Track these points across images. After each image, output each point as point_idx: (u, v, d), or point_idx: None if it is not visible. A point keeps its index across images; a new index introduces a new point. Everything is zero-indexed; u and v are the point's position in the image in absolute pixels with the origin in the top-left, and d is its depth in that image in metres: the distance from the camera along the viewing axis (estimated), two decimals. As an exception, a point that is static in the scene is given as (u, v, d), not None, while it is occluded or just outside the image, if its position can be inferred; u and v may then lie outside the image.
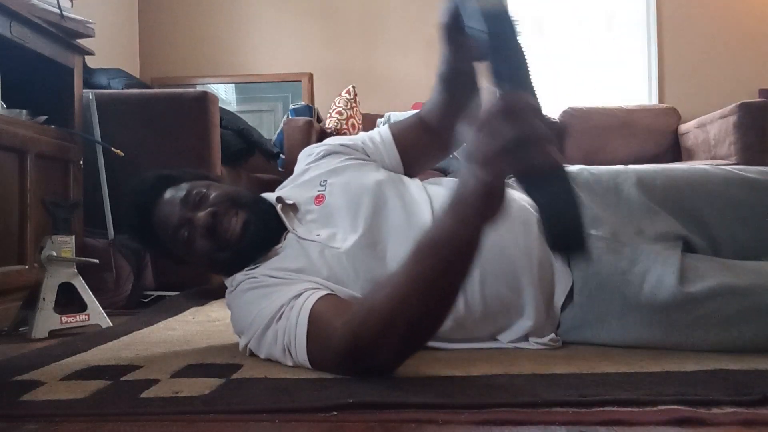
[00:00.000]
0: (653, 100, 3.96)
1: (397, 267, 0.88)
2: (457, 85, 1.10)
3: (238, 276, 1.19)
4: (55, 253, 1.57)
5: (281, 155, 3.11)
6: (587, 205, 1.15)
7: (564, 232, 0.75)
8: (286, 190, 1.32)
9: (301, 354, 1.00)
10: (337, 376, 0.97)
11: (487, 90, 0.84)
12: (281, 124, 3.30)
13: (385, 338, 0.89)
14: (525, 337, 1.15)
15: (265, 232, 1.20)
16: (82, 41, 2.05)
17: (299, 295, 1.04)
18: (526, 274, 1.12)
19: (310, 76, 4.06)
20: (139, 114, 2.34)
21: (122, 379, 1.01)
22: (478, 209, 0.78)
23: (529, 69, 0.83)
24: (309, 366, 1.00)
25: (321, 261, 1.13)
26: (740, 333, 1.03)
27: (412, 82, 4.02)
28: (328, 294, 1.04)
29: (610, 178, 1.24)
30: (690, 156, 3.49)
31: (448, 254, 0.83)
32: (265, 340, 1.06)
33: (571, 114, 3.74)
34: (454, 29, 0.93)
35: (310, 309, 0.99)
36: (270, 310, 1.06)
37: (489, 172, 0.76)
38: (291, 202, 1.26)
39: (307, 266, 1.13)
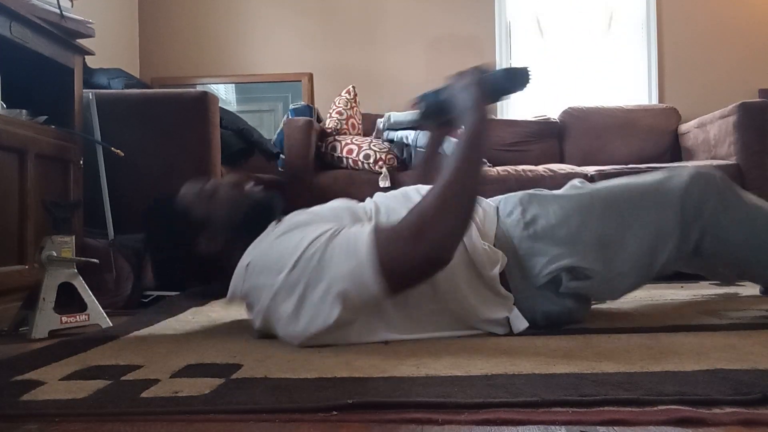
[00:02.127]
0: (653, 100, 3.96)
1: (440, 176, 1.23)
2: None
3: (259, 238, 1.32)
4: (55, 253, 1.57)
5: (281, 155, 3.11)
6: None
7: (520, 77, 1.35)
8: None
9: (367, 257, 1.16)
10: (341, 375, 0.97)
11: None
12: (281, 124, 3.30)
13: (442, 212, 1.19)
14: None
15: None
16: (82, 41, 2.05)
17: (342, 228, 1.24)
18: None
19: (310, 76, 4.06)
20: (139, 114, 2.34)
21: (122, 379, 1.01)
22: (483, 128, 1.29)
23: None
24: (373, 275, 1.15)
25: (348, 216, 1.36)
26: None
27: (412, 82, 4.01)
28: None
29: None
30: (690, 156, 3.49)
31: (471, 151, 1.25)
32: (320, 258, 1.19)
33: (571, 114, 3.74)
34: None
35: (371, 228, 1.21)
36: (319, 232, 1.23)
37: (478, 110, 1.29)
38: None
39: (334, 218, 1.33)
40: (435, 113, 1.50)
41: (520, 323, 1.31)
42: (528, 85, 1.35)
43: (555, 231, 1.37)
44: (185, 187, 1.43)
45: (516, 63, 4.08)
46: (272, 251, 1.27)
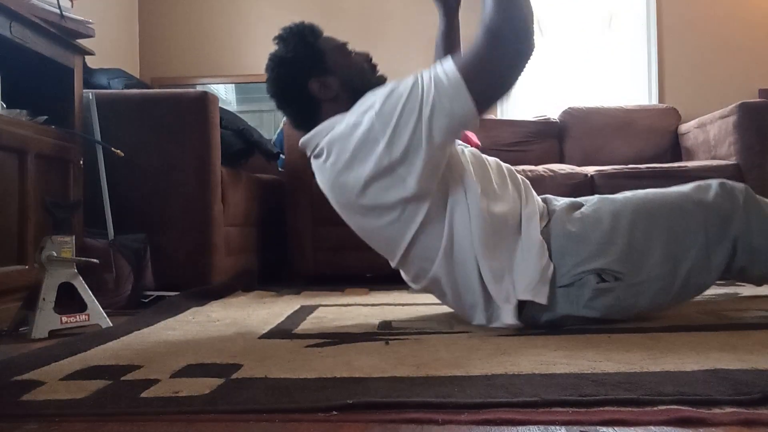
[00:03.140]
0: (653, 100, 3.96)
1: None
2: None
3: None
4: (55, 253, 1.57)
5: (281, 155, 3.10)
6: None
7: None
8: None
9: (453, 77, 1.26)
10: (341, 375, 0.97)
11: None
12: (281, 124, 3.30)
13: (507, 11, 1.25)
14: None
15: None
16: (82, 41, 2.05)
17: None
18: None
19: (310, 76, 4.06)
20: (139, 114, 2.34)
21: (122, 379, 1.01)
22: None
23: None
24: (463, 87, 1.26)
25: None
26: None
27: (412, 82, 4.02)
28: None
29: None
30: (690, 156, 3.49)
31: None
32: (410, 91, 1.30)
33: (571, 114, 3.74)
34: None
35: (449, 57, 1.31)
36: (405, 83, 1.33)
37: None
38: None
39: None
40: None
41: (509, 319, 1.34)
42: None
43: (588, 233, 1.39)
44: (331, 36, 1.55)
45: None
46: (361, 101, 1.39)
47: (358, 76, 1.48)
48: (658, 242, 1.38)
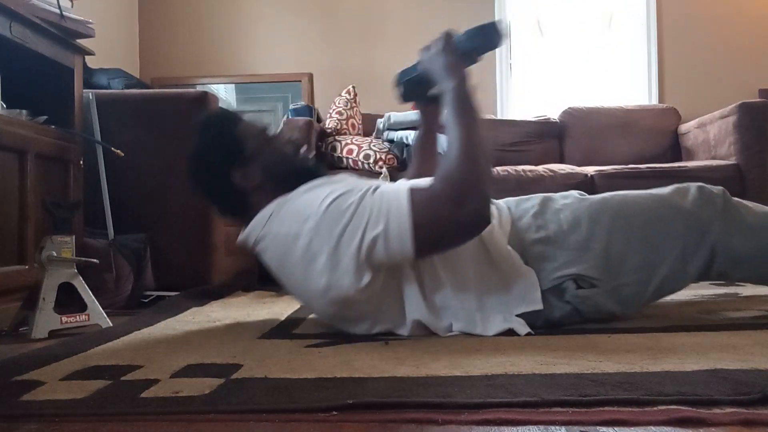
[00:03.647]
0: (653, 100, 3.96)
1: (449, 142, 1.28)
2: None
3: (287, 195, 1.35)
4: (55, 253, 1.57)
5: (281, 155, 3.10)
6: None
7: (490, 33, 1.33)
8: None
9: (403, 218, 1.21)
10: (341, 375, 0.97)
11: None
12: (281, 124, 3.30)
13: (471, 166, 1.24)
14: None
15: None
16: (82, 41, 2.05)
17: (378, 186, 1.29)
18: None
19: (310, 76, 4.06)
20: (139, 114, 2.34)
21: (122, 379, 1.01)
22: (464, 89, 1.32)
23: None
24: (409, 233, 1.20)
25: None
26: None
27: (412, 82, 4.02)
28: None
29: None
30: (690, 156, 3.49)
31: (464, 111, 1.30)
32: (349, 211, 1.23)
33: (571, 114, 3.74)
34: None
35: (408, 188, 1.25)
36: (351, 187, 1.28)
37: (454, 74, 1.33)
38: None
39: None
40: (415, 90, 1.48)
41: (523, 329, 1.30)
42: (502, 38, 1.34)
43: (566, 237, 1.38)
44: (248, 119, 1.48)
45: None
46: (299, 201, 1.32)
47: (281, 162, 1.43)
48: (634, 249, 1.37)
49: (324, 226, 1.25)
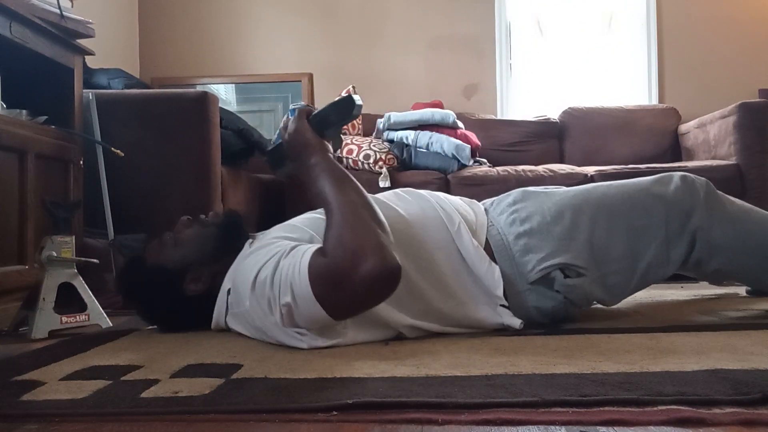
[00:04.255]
0: (653, 100, 3.96)
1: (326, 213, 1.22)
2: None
3: (236, 260, 1.33)
4: (55, 253, 1.57)
5: (281, 155, 3.10)
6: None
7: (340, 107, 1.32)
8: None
9: (305, 291, 1.12)
10: (341, 375, 0.97)
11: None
12: (281, 124, 3.30)
13: (351, 229, 1.14)
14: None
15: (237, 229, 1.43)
16: (82, 41, 2.05)
17: (296, 246, 1.21)
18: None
19: (310, 76, 4.06)
20: (139, 114, 2.34)
21: (122, 379, 1.01)
22: (327, 158, 1.27)
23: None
24: (317, 305, 1.12)
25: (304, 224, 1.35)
26: None
27: (412, 82, 4.02)
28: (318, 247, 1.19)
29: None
30: (690, 156, 3.49)
31: (335, 178, 1.24)
32: (266, 286, 1.18)
33: (571, 114, 3.74)
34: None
35: (310, 255, 1.15)
36: (272, 254, 1.22)
37: (314, 148, 1.28)
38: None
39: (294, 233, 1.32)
40: (280, 162, 1.43)
41: (514, 322, 1.32)
42: (354, 112, 1.31)
43: (550, 227, 1.39)
44: (147, 248, 1.44)
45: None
46: (243, 272, 1.27)
47: (203, 245, 1.40)
48: (618, 238, 1.39)
49: (256, 306, 1.21)
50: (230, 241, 1.38)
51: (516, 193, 1.50)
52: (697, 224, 1.40)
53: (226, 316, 1.36)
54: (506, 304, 1.34)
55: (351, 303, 1.15)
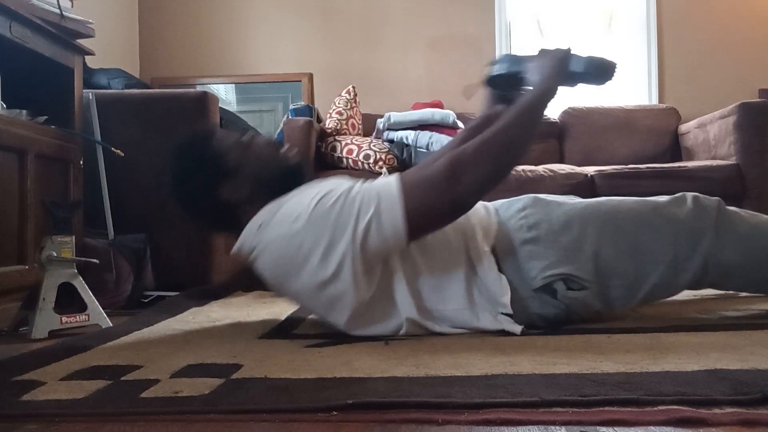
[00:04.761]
0: (653, 100, 3.96)
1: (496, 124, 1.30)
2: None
3: (277, 200, 1.34)
4: (55, 253, 1.57)
5: (281, 155, 3.11)
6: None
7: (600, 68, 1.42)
8: None
9: (393, 198, 1.23)
10: (341, 375, 0.97)
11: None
12: (281, 124, 3.30)
13: (485, 159, 1.26)
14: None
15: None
16: (82, 41, 2.05)
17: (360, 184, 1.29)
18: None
19: (310, 76, 4.06)
20: (139, 114, 2.34)
21: (122, 379, 1.01)
22: (547, 98, 1.39)
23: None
24: (400, 211, 1.22)
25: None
26: None
27: (412, 82, 4.02)
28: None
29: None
30: (690, 156, 3.49)
31: (527, 114, 1.34)
32: (335, 205, 1.24)
33: (571, 114, 3.74)
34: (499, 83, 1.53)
35: (397, 174, 1.27)
36: (339, 184, 1.29)
37: (550, 81, 1.40)
38: None
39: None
40: (504, 80, 1.50)
41: (515, 329, 1.31)
42: (609, 81, 1.40)
43: (557, 237, 1.38)
44: (222, 131, 1.46)
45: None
46: (288, 204, 1.31)
47: (265, 168, 1.41)
48: (624, 255, 1.36)
49: (315, 223, 1.24)
50: (286, 182, 1.39)
51: (526, 198, 1.48)
52: (707, 249, 1.36)
53: (251, 248, 1.34)
54: (510, 312, 1.32)
55: (431, 214, 1.26)
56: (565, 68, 1.40)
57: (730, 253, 1.37)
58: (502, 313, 1.32)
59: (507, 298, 1.32)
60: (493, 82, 1.54)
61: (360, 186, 1.29)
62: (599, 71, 1.40)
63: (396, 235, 1.24)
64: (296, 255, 1.27)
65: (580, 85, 1.46)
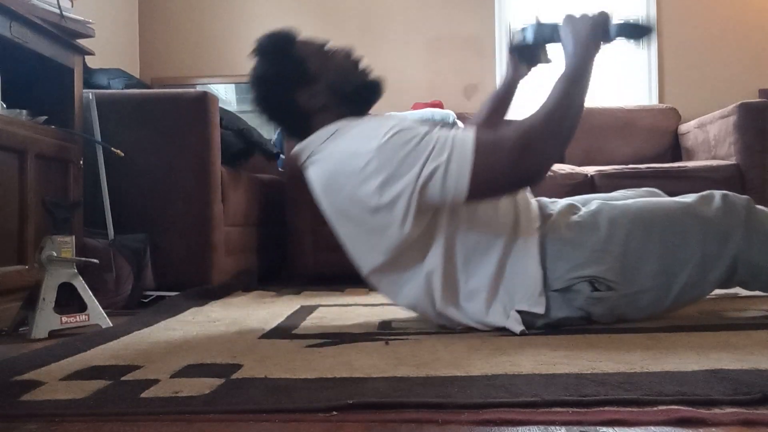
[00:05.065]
0: (653, 100, 3.96)
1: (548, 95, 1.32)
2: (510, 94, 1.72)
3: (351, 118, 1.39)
4: (55, 253, 1.57)
5: (281, 155, 3.10)
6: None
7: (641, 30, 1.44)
8: None
9: (466, 154, 1.25)
10: (341, 375, 0.97)
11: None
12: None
13: (551, 129, 1.28)
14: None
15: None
16: (82, 41, 2.05)
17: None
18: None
19: (310, 76, 4.06)
20: (139, 114, 2.34)
21: (122, 379, 1.01)
22: (592, 56, 1.42)
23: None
24: (468, 169, 1.24)
25: None
26: None
27: (412, 82, 4.02)
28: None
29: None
30: (690, 156, 3.49)
31: (577, 78, 1.37)
32: (414, 147, 1.26)
33: (571, 114, 3.73)
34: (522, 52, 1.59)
35: (474, 131, 1.28)
36: (419, 123, 1.33)
37: (592, 44, 1.42)
38: None
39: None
40: (531, 48, 1.53)
41: (516, 328, 1.31)
42: (646, 39, 1.44)
43: (583, 238, 1.37)
44: (306, 37, 1.47)
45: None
46: (366, 125, 1.35)
47: (344, 79, 1.44)
48: (653, 255, 1.36)
49: (386, 151, 1.27)
50: (362, 96, 1.42)
51: (564, 203, 1.51)
52: (736, 248, 1.35)
53: (312, 153, 1.39)
54: (527, 309, 1.33)
55: (495, 181, 1.28)
56: (602, 34, 1.41)
57: (759, 252, 1.36)
58: (516, 310, 1.33)
59: (537, 293, 1.33)
60: (520, 49, 1.56)
61: (438, 132, 1.30)
62: (636, 30, 1.44)
63: (457, 189, 1.26)
64: (357, 173, 1.29)
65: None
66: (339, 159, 1.34)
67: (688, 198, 1.45)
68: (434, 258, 1.34)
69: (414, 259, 1.35)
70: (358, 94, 1.42)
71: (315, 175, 1.40)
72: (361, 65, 1.49)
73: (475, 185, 1.25)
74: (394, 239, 1.31)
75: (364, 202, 1.30)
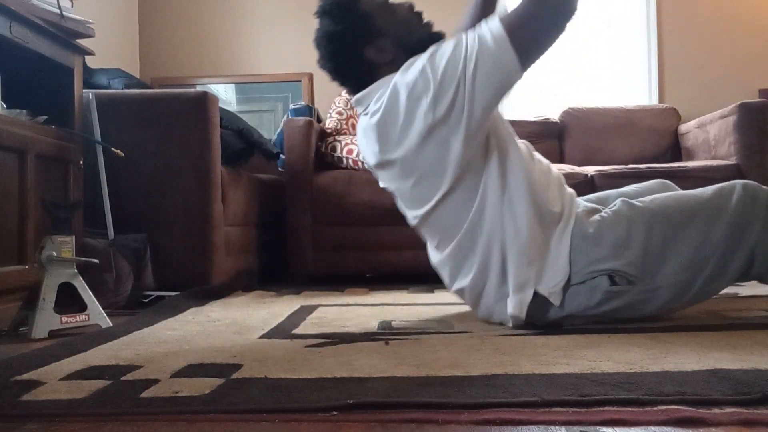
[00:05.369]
0: (653, 100, 3.96)
1: None
2: None
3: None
4: (55, 253, 1.57)
5: (281, 155, 3.10)
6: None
7: None
8: None
9: (495, 29, 1.28)
10: (341, 375, 0.97)
11: None
12: (281, 124, 3.30)
13: None
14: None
15: None
16: (82, 41, 2.05)
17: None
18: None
19: (310, 76, 4.06)
20: (139, 114, 2.34)
21: (122, 379, 1.01)
22: None
23: None
24: (506, 38, 1.28)
25: None
26: None
27: (412, 82, 4.02)
28: None
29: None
30: (690, 156, 3.49)
31: None
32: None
33: (571, 114, 3.74)
34: None
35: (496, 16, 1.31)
36: (451, 41, 1.36)
37: None
38: None
39: None
40: None
41: (509, 323, 1.33)
42: None
43: (603, 234, 1.38)
44: None
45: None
46: (407, 64, 1.38)
47: (408, 31, 1.48)
48: (675, 251, 1.36)
49: (428, 68, 1.32)
50: (427, 49, 1.42)
51: (588, 203, 1.54)
52: (755, 239, 1.35)
53: (376, 99, 1.42)
54: (544, 294, 1.35)
55: (535, 33, 1.30)
56: None
57: None
58: (536, 291, 1.36)
59: (560, 286, 1.35)
60: None
61: (465, 35, 1.33)
62: None
63: (505, 61, 1.28)
64: (407, 98, 1.33)
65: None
66: (394, 94, 1.37)
67: (708, 190, 1.43)
68: (491, 190, 1.38)
69: (469, 198, 1.38)
70: (422, 46, 1.42)
71: (377, 123, 1.41)
72: (427, 21, 1.52)
73: (519, 48, 1.27)
74: (456, 155, 1.33)
75: (418, 129, 1.33)
